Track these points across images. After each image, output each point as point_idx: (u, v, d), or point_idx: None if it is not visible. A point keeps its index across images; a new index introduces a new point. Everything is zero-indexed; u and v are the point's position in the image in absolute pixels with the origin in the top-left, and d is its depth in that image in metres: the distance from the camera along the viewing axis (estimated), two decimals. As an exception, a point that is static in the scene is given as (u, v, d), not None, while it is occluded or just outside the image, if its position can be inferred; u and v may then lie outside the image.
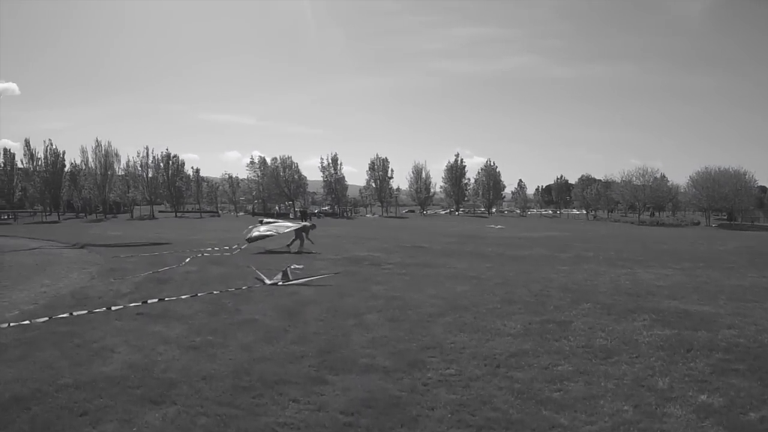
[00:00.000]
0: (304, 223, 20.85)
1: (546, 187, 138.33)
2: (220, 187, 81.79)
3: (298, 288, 10.75)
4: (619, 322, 7.90)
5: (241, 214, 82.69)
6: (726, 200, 61.73)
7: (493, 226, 49.98)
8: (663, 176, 72.45)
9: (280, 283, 11.06)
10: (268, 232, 19.42)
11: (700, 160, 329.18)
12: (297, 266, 13.45)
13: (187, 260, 15.18)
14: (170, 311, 8.51)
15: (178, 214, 74.31)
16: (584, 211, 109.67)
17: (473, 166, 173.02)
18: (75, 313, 8.21)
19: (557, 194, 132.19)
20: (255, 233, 19.31)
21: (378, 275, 13.02)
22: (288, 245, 19.29)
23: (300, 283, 11.22)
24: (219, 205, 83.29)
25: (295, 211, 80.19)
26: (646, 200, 70.14)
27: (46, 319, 7.85)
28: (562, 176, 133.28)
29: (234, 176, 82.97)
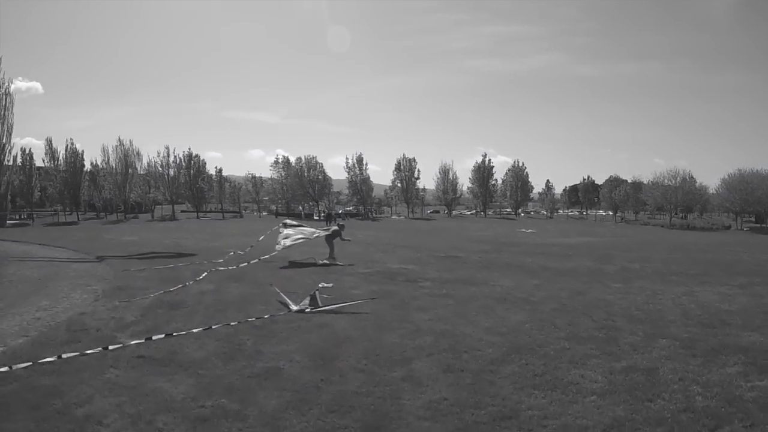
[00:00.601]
0: (333, 228, 19.27)
1: (572, 187, 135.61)
2: (243, 187, 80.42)
3: (328, 317, 9.23)
4: (709, 368, 6.71)
5: (264, 214, 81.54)
6: (760, 203, 59.09)
7: (523, 230, 47.97)
8: (692, 177, 69.60)
9: (308, 310, 9.56)
10: (299, 240, 18.02)
11: (726, 160, 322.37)
12: (326, 284, 12.00)
13: (204, 275, 13.72)
14: (178, 353, 7.07)
15: (200, 215, 73.48)
16: (610, 213, 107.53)
17: (498, 166, 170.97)
18: (65, 356, 6.80)
19: (584, 195, 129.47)
20: (285, 242, 17.81)
21: (418, 297, 11.49)
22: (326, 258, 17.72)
23: (331, 309, 9.67)
24: (242, 205, 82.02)
25: (319, 212, 79.40)
26: (678, 202, 67.36)
27: (30, 364, 6.43)
28: (588, 176, 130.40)
29: (257, 176, 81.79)
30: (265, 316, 9.20)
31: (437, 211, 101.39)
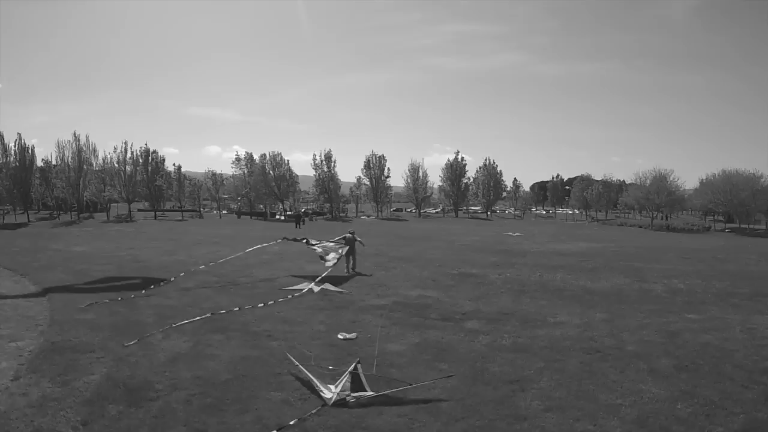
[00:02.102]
0: (346, 234, 18.55)
1: (540, 185, 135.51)
2: (203, 185, 76.27)
3: (385, 420, 5.85)
4: None
5: (224, 212, 78.01)
6: (743, 205, 58.50)
7: (510, 233, 45.24)
8: (674, 178, 68.69)
9: (351, 400, 6.14)
10: (333, 258, 16.76)
11: (682, 158, 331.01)
12: (347, 335, 8.81)
13: (172, 326, 10.00)
14: None
15: (158, 215, 69.00)
16: (577, 211, 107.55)
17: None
18: None
19: (552, 193, 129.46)
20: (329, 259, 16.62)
21: (486, 355, 8.71)
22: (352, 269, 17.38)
23: (385, 396, 6.32)
24: (201, 203, 77.60)
25: (284, 212, 76.27)
26: (661, 203, 66.26)
27: None
28: (558, 175, 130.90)
29: (218, 173, 77.10)
30: (291, 422, 5.69)
31: (400, 210, 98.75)
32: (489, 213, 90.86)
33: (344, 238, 18.47)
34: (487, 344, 9.24)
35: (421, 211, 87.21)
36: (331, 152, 77.52)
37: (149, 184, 68.61)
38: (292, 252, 21.93)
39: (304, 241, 18.17)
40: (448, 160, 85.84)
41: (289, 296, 12.79)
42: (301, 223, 49.00)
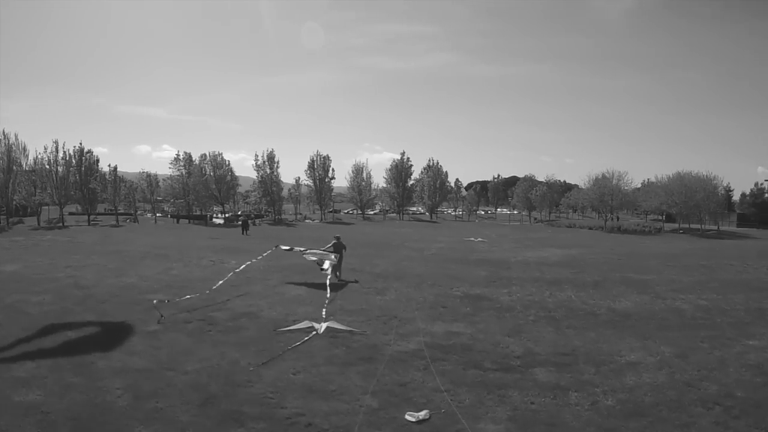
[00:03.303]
0: (334, 241, 19.12)
1: (482, 185, 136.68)
2: (138, 187, 71.73)
3: None
4: None
5: (158, 215, 74.06)
6: (698, 207, 60.27)
7: (472, 239, 43.92)
8: (627, 179, 70.12)
9: None
10: (328, 265, 16.73)
11: (610, 159, 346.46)
12: None
13: (157, 409, 7.27)
14: None
15: (92, 220, 63.91)
16: (515, 211, 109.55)
17: (385, 163, 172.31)
18: None
19: (494, 194, 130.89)
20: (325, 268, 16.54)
21: (612, 430, 6.84)
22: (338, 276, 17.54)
23: None
24: (136, 205, 73.44)
25: (224, 215, 73.42)
26: (615, 204, 67.29)
27: None
28: (498, 175, 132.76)
29: (153, 173, 72.48)
30: None
31: (338, 211, 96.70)
32: (433, 215, 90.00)
33: (333, 245, 19.01)
34: (592, 408, 7.51)
35: (365, 213, 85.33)
36: (274, 153, 74.90)
37: (83, 186, 63.99)
38: (257, 270, 19.34)
39: (296, 250, 18.33)
40: (394, 161, 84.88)
41: (296, 343, 10.15)
42: (248, 229, 45.40)
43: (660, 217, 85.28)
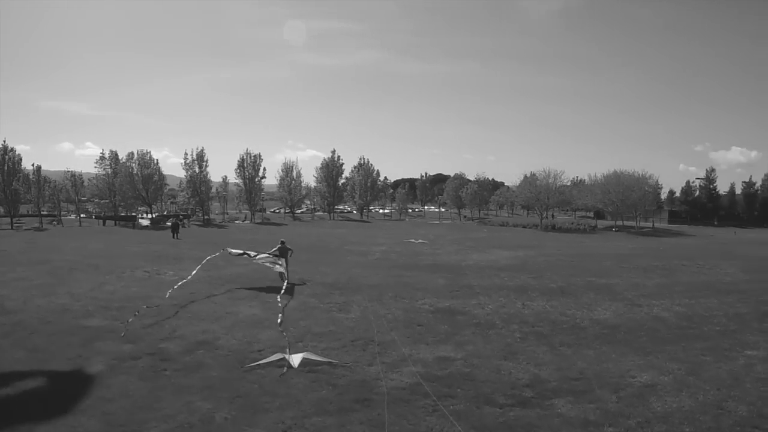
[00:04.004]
0: (279, 245, 19.96)
1: (410, 183, 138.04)
2: (63, 187, 70.22)
3: None
4: None
5: (82, 216, 72.29)
6: (635, 206, 63.45)
7: (413, 240, 43.54)
8: (564, 177, 72.82)
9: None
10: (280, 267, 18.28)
11: (532, 157, 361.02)
12: None
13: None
14: None
15: (15, 223, 60.67)
16: (443, 209, 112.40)
17: (309, 160, 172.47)
18: None
19: (422, 192, 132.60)
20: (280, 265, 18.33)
21: None
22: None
23: None
24: (60, 206, 71.19)
25: (151, 217, 71.83)
26: (550, 203, 69.46)
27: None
28: (426, 173, 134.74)
29: (78, 173, 71.71)
30: None
31: (263, 210, 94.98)
32: (362, 214, 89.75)
33: (278, 249, 19.64)
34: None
35: (294, 213, 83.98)
36: (204, 151, 73.68)
37: (5, 187, 61.90)
38: (199, 282, 17.94)
39: (245, 255, 18.71)
40: (324, 159, 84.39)
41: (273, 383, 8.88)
42: (178, 232, 43.85)
43: (589, 215, 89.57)
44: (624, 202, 63.18)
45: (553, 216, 79.13)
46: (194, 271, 17.94)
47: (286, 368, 9.43)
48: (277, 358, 9.76)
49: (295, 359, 9.57)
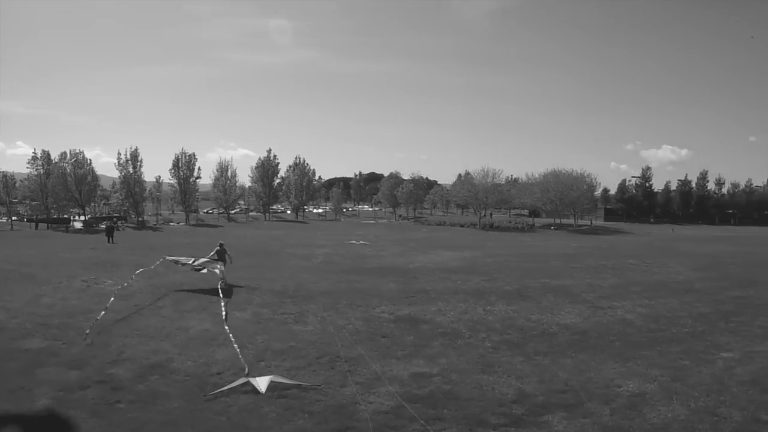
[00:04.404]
0: (217, 248, 20.71)
1: (344, 182, 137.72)
2: None
3: None
4: None
5: (14, 219, 67.71)
6: (573, 204, 65.36)
7: (354, 242, 42.92)
8: (501, 177, 74.44)
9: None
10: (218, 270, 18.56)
11: (466, 156, 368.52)
12: None
13: None
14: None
15: None
16: (377, 208, 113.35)
17: (241, 159, 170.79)
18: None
19: (356, 191, 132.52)
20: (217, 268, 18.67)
21: None
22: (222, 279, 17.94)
23: None
24: None
25: (84, 220, 69.37)
26: (489, 203, 70.54)
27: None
28: (360, 172, 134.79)
29: (10, 173, 68.92)
30: None
31: (195, 210, 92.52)
32: (299, 214, 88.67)
33: (216, 252, 20.40)
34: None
35: (229, 213, 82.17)
36: (138, 151, 71.97)
37: None
38: (140, 292, 17.14)
39: (184, 263, 19.03)
40: (260, 159, 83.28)
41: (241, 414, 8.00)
42: (112, 236, 42.11)
43: (524, 213, 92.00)
44: (563, 201, 65.06)
45: (491, 215, 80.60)
46: (128, 282, 17.36)
47: (244, 386, 8.60)
48: (241, 382, 8.88)
49: (261, 383, 8.70)
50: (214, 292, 16.34)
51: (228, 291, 17.09)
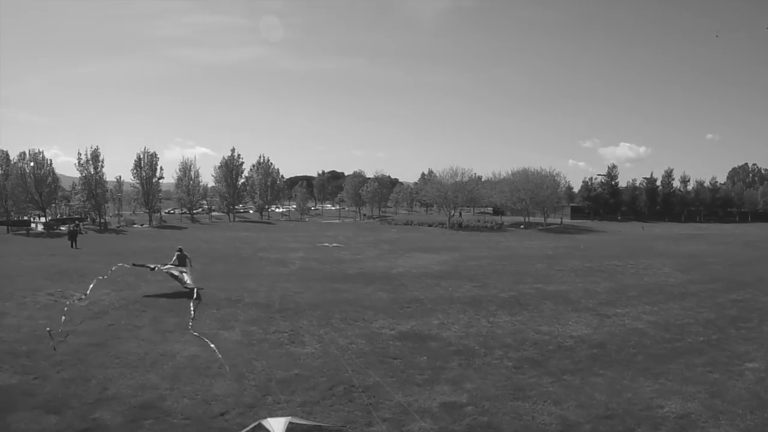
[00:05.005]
0: (177, 253, 20.53)
1: (307, 180, 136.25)
2: None
3: None
4: None
5: None
6: (543, 204, 65.83)
7: (327, 244, 41.87)
8: (477, 176, 74.70)
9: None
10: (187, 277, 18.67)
11: (420, 154, 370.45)
12: None
13: None
14: None
15: None
16: (338, 206, 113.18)
17: (199, 158, 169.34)
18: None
19: (319, 190, 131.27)
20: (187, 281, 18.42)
21: None
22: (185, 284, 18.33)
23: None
24: None
25: (45, 222, 66.81)
26: (459, 202, 70.32)
27: None
28: (323, 171, 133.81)
29: None
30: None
31: (158, 211, 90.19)
32: (263, 215, 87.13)
33: (177, 257, 20.27)
34: None
35: (192, 214, 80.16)
36: (99, 150, 69.49)
37: None
38: (112, 306, 16.15)
39: (153, 268, 19.16)
40: (224, 158, 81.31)
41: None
42: (76, 240, 39.95)
43: (488, 211, 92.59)
44: (533, 199, 65.47)
45: (460, 214, 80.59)
46: (87, 291, 16.93)
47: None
48: (253, 425, 7.81)
49: (277, 427, 7.64)
50: (199, 314, 15.31)
51: (198, 296, 17.10)
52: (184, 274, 18.77)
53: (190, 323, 14.04)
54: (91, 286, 17.08)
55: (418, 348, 12.41)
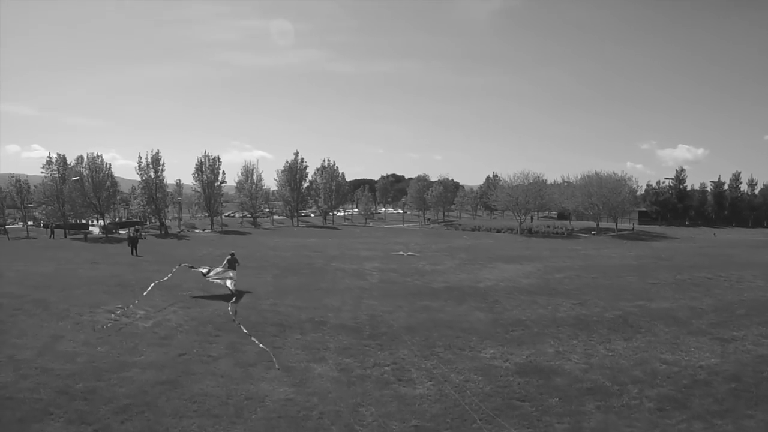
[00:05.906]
0: (228, 257, 21.87)
1: (369, 185, 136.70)
2: (7, 194, 67.91)
3: None
4: None
5: (30, 224, 70.19)
6: (616, 209, 63.90)
7: (402, 252, 41.36)
8: (544, 180, 73.14)
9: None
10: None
11: (475, 155, 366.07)
12: None
13: None
14: None
15: None
16: (401, 210, 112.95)
17: (255, 161, 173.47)
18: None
19: (382, 194, 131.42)
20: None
21: None
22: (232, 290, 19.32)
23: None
24: (5, 216, 69.90)
25: (103, 227, 68.31)
26: (531, 207, 68.92)
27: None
28: (386, 174, 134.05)
29: (24, 177, 68.27)
30: None
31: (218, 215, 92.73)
32: (327, 219, 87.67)
33: (228, 261, 21.59)
34: None
35: (255, 219, 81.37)
36: (160, 154, 69.74)
37: None
38: (184, 333, 14.70)
39: (205, 273, 20.56)
40: (287, 162, 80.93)
41: None
42: (136, 247, 37.99)
43: (552, 215, 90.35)
44: (606, 205, 63.55)
45: (532, 219, 78.92)
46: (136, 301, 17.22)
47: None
48: None
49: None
50: (267, 336, 14.65)
51: (237, 297, 18.89)
52: (230, 281, 20.09)
53: (273, 359, 12.65)
54: (144, 293, 17.63)
55: (543, 386, 11.57)
